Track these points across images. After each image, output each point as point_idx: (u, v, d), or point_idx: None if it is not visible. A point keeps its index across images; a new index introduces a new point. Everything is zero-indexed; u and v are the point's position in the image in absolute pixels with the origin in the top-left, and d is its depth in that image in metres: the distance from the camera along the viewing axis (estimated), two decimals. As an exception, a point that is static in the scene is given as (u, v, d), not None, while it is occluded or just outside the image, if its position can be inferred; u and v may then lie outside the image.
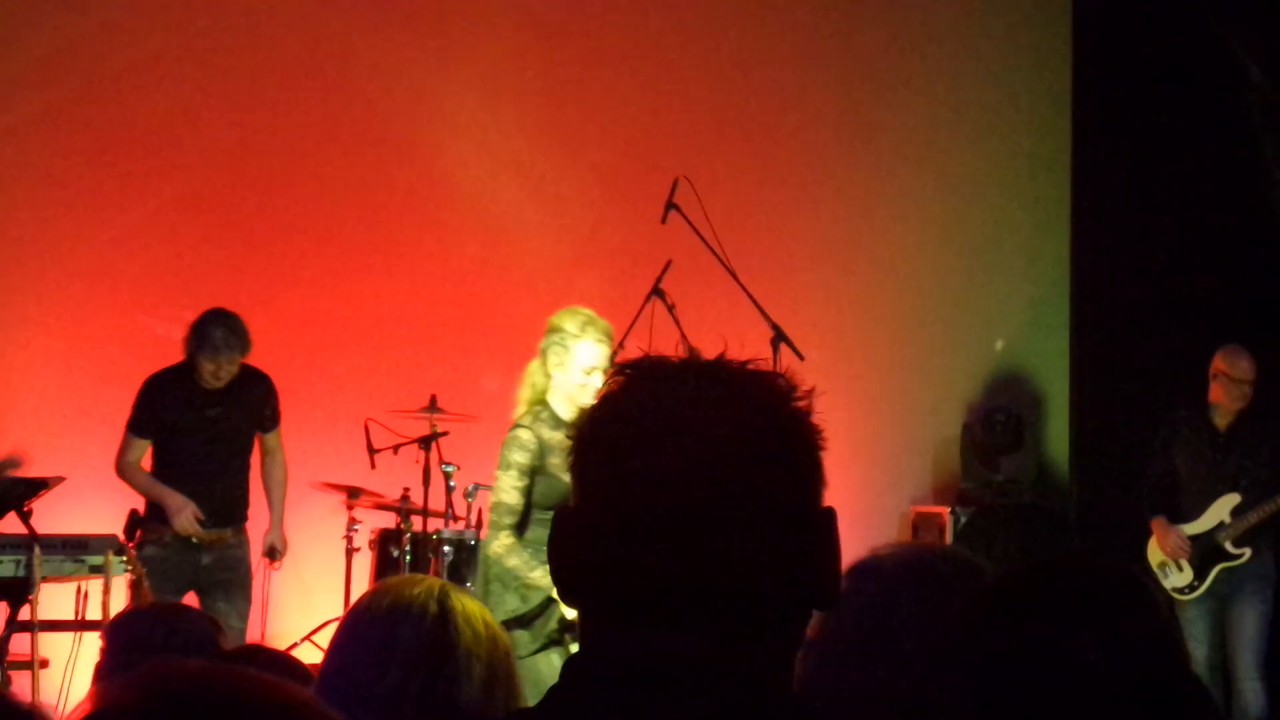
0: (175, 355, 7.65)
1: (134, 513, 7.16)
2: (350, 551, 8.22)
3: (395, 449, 8.02)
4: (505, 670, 2.43)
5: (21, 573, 6.92)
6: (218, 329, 7.46)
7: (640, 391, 1.60)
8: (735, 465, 1.53)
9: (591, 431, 1.60)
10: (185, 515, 7.36)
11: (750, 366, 1.62)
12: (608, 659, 1.54)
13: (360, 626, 2.47)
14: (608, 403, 1.61)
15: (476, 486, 7.65)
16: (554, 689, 1.56)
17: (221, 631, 3.02)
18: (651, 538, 1.51)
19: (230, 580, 7.58)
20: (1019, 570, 2.16)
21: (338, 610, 8.23)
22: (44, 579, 6.95)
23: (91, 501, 7.91)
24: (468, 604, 2.45)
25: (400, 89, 9.30)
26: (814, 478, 1.58)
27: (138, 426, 7.56)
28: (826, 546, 1.56)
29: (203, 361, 7.46)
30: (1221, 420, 7.93)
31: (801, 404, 1.60)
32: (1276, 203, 8.89)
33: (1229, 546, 7.74)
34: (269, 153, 9.10)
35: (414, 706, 2.36)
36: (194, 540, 7.43)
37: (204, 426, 7.54)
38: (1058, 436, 10.21)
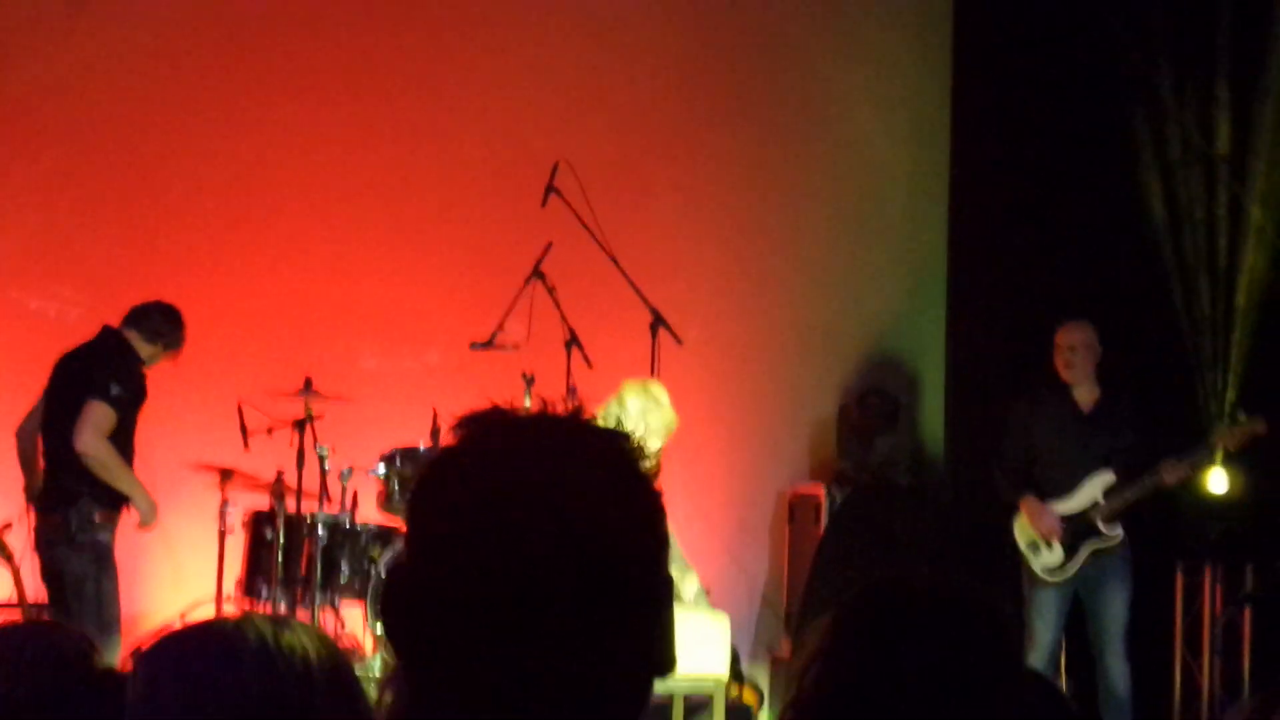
0: (47, 330, 7.53)
1: (85, 495, 7.12)
2: (223, 532, 8.16)
3: (269, 431, 7.96)
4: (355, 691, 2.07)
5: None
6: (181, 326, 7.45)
7: (484, 446, 1.54)
8: (583, 527, 1.48)
9: (430, 485, 1.55)
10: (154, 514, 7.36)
11: (597, 424, 1.58)
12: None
13: (182, 689, 1.96)
14: (449, 456, 1.55)
15: (352, 469, 7.61)
16: None
17: (96, 650, 2.91)
18: (489, 602, 1.47)
19: None
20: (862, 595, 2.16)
21: (211, 590, 8.19)
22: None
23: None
24: (302, 636, 2.01)
25: (276, 68, 9.20)
26: (659, 542, 1.56)
27: (120, 403, 7.30)
28: (667, 614, 1.54)
29: (167, 353, 7.42)
30: (1083, 399, 8.00)
31: (647, 466, 1.56)
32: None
33: (1102, 526, 7.81)
34: (145, 131, 8.97)
35: None
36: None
37: (137, 410, 7.44)
38: (933, 417, 10.31)
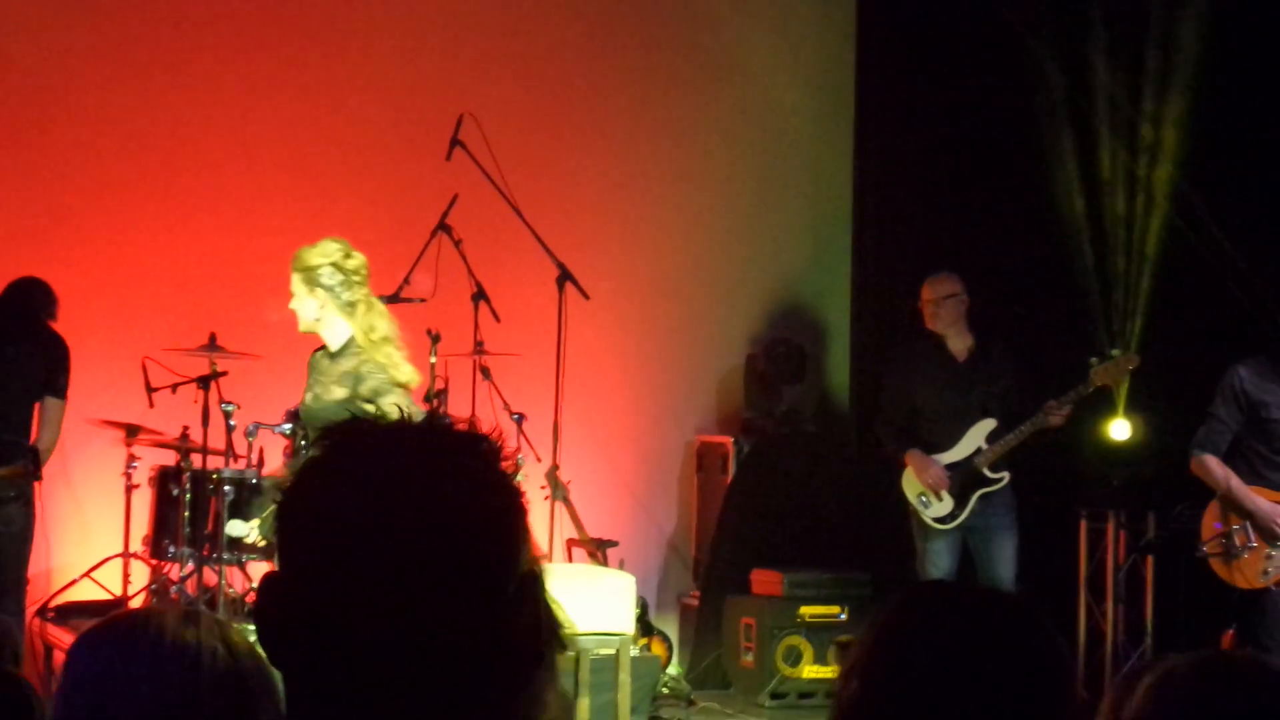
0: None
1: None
2: (130, 489, 8.13)
3: (174, 388, 7.91)
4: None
5: None
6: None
7: (348, 456, 1.58)
8: (441, 531, 1.54)
9: (298, 496, 1.59)
10: None
11: (459, 428, 1.64)
12: None
13: (89, 675, 2.03)
14: (315, 467, 1.59)
15: (258, 425, 7.59)
16: None
17: (12, 637, 2.87)
18: (356, 607, 1.51)
19: None
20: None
21: (117, 547, 8.16)
22: None
23: None
24: (205, 635, 2.06)
25: (175, 23, 9.10)
26: (517, 540, 1.61)
27: None
28: (529, 609, 1.59)
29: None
30: (957, 348, 8.08)
31: (505, 466, 1.60)
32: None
33: (987, 472, 7.90)
34: (42, 88, 8.85)
35: None
36: None
37: None
38: (839, 367, 10.40)
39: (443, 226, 8.15)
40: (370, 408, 6.06)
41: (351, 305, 6.43)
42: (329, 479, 1.57)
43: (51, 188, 8.83)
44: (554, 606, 1.64)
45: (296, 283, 6.45)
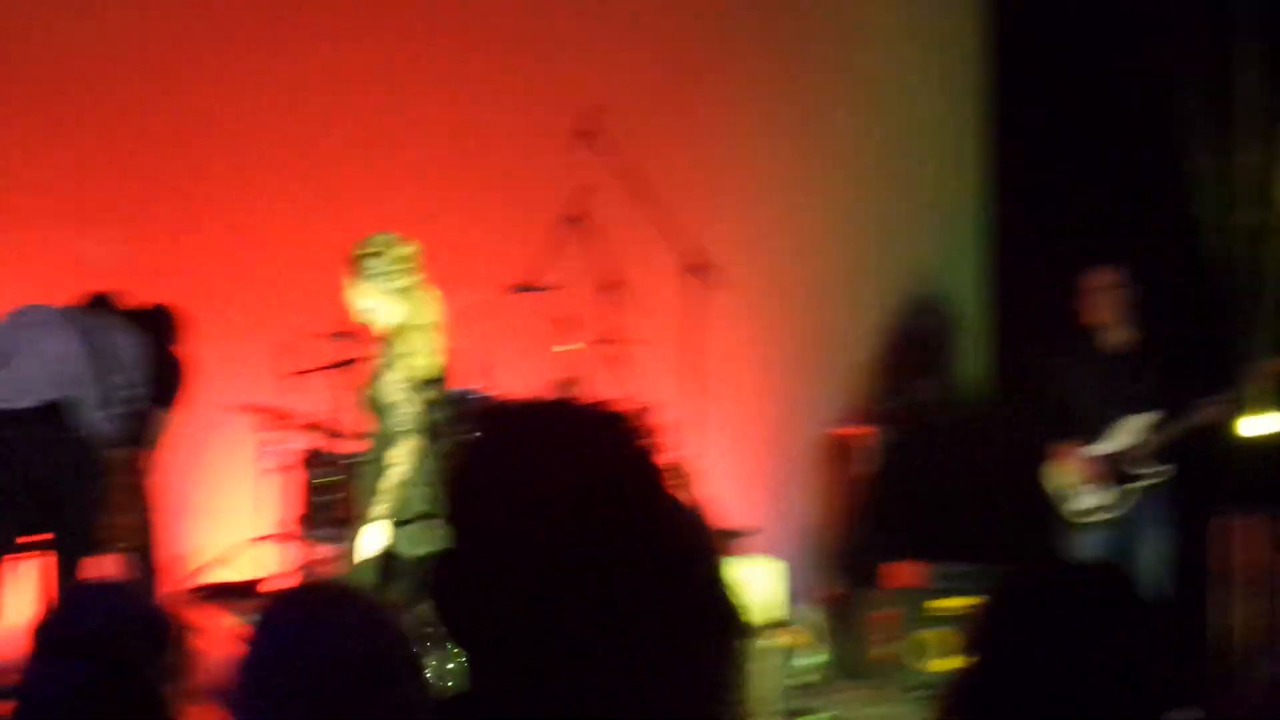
0: (82, 271, 7.64)
1: None
2: (268, 473, 8.27)
3: (314, 372, 8.05)
4: (417, 681, 2.22)
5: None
6: None
7: (514, 437, 1.65)
8: (606, 505, 1.59)
9: (468, 478, 1.65)
10: None
11: (603, 409, 1.68)
12: (503, 703, 1.59)
13: (284, 644, 2.16)
14: (482, 449, 1.65)
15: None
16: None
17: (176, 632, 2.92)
18: (525, 584, 1.57)
19: None
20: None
21: (256, 530, 8.31)
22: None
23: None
24: (388, 604, 2.33)
25: (310, 9, 9.25)
26: (659, 511, 1.63)
27: None
28: (710, 584, 1.62)
29: None
30: (1115, 341, 7.98)
31: (647, 442, 1.65)
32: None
33: (1141, 466, 7.81)
34: (179, 73, 9.01)
35: None
36: None
37: None
38: (975, 356, 10.30)
39: (575, 215, 8.21)
40: (392, 392, 6.32)
41: (399, 292, 6.56)
42: (504, 458, 1.64)
43: (187, 173, 8.98)
44: (738, 589, 1.67)
45: (352, 274, 6.58)
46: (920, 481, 9.50)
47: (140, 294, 8.04)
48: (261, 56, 9.13)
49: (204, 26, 9.06)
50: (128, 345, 7.17)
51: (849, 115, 10.12)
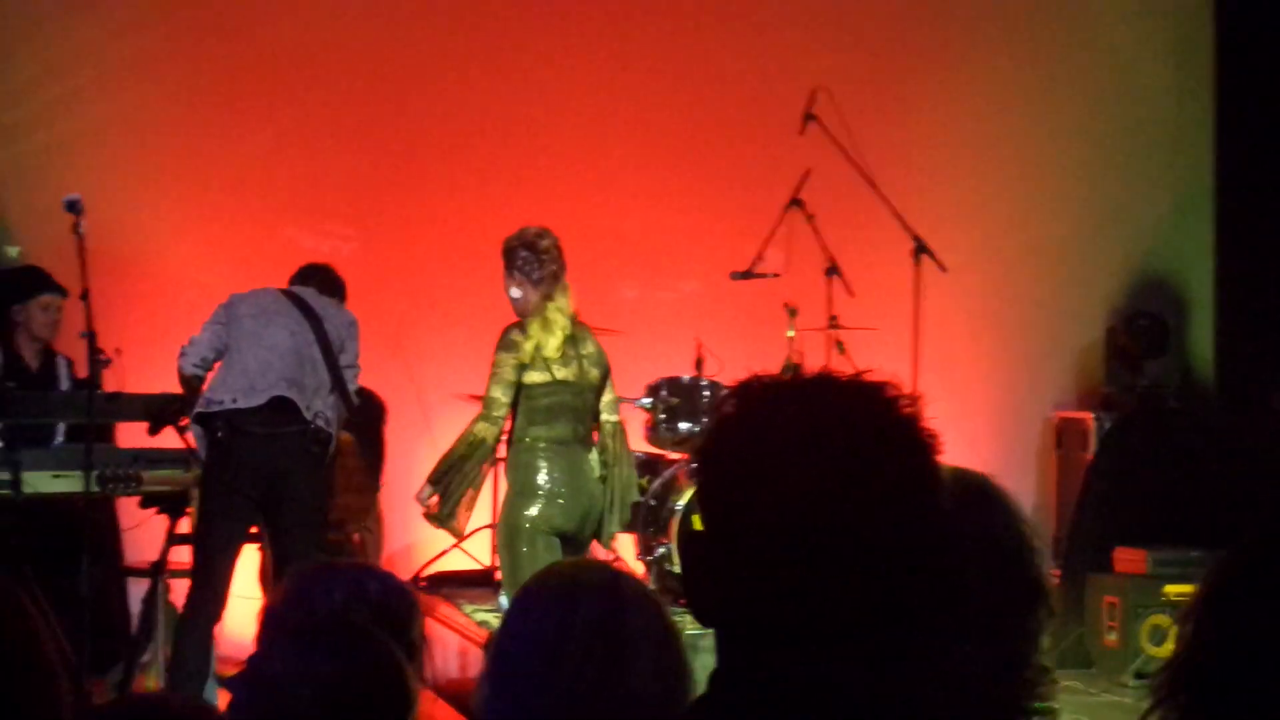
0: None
1: None
2: (496, 461, 8.32)
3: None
4: (676, 658, 2.34)
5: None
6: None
7: (760, 413, 1.59)
8: (863, 482, 1.54)
9: (714, 456, 1.61)
10: None
11: (861, 379, 1.62)
12: (751, 680, 1.56)
13: (531, 615, 2.34)
14: (728, 426, 1.61)
15: (619, 400, 7.69)
16: (701, 700, 1.60)
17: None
18: (784, 561, 1.53)
19: None
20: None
21: (483, 521, 8.38)
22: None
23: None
24: (638, 588, 2.38)
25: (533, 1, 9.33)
26: (933, 483, 1.59)
27: None
28: (952, 553, 1.57)
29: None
30: None
31: (910, 410, 1.59)
32: None
33: None
34: (408, 72, 9.15)
35: (587, 695, 2.25)
36: None
37: None
38: (1202, 340, 10.09)
39: (795, 201, 8.17)
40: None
41: (538, 282, 6.67)
42: (748, 438, 1.58)
43: (417, 168, 9.13)
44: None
45: (503, 265, 6.74)
46: (1144, 467, 9.32)
47: (369, 288, 8.14)
48: (489, 54, 9.25)
49: (433, 31, 9.21)
50: (345, 325, 7.21)
51: (1075, 94, 9.94)
